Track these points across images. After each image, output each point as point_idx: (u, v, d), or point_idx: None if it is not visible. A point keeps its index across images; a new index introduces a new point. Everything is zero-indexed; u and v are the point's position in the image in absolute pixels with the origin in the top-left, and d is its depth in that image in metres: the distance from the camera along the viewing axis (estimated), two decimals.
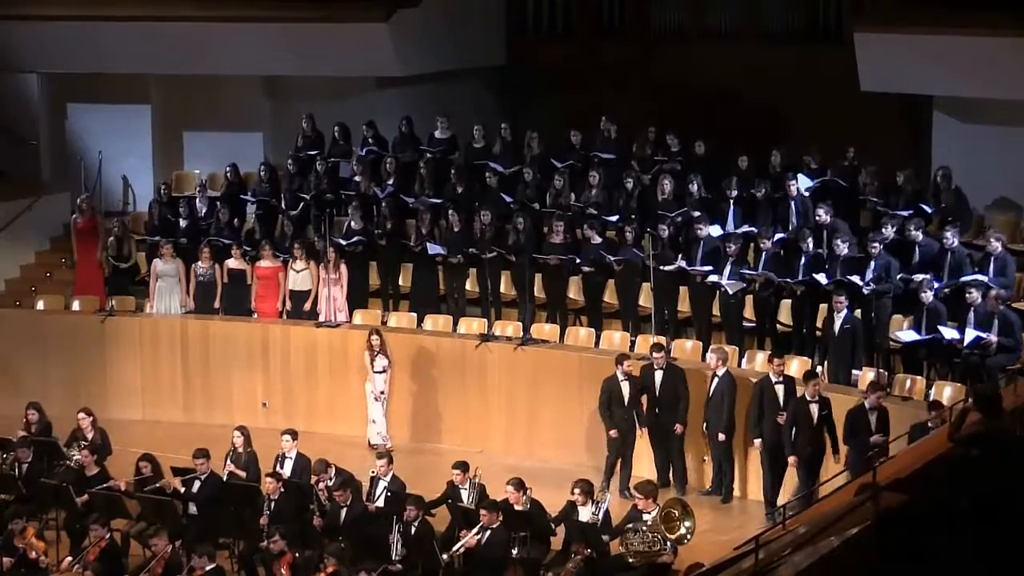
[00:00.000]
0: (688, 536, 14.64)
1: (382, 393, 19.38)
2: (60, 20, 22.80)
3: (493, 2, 25.24)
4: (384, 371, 19.42)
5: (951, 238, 17.98)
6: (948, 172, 19.47)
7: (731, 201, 19.89)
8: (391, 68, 23.08)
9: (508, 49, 25.31)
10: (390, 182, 21.66)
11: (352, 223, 20.89)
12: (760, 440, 17.05)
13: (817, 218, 18.78)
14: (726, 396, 17.42)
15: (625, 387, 17.67)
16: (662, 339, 18.60)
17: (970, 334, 16.73)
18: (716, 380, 17.50)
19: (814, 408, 16.51)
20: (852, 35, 21.06)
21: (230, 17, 22.64)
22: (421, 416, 19.90)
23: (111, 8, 22.87)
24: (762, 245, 18.85)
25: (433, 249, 20.40)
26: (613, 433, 17.70)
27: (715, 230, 19.37)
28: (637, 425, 17.79)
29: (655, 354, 17.80)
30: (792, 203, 19.44)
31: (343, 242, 20.56)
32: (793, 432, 16.64)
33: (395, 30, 22.62)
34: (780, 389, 16.98)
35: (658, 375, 17.73)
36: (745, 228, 19.58)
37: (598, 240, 19.79)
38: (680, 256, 19.29)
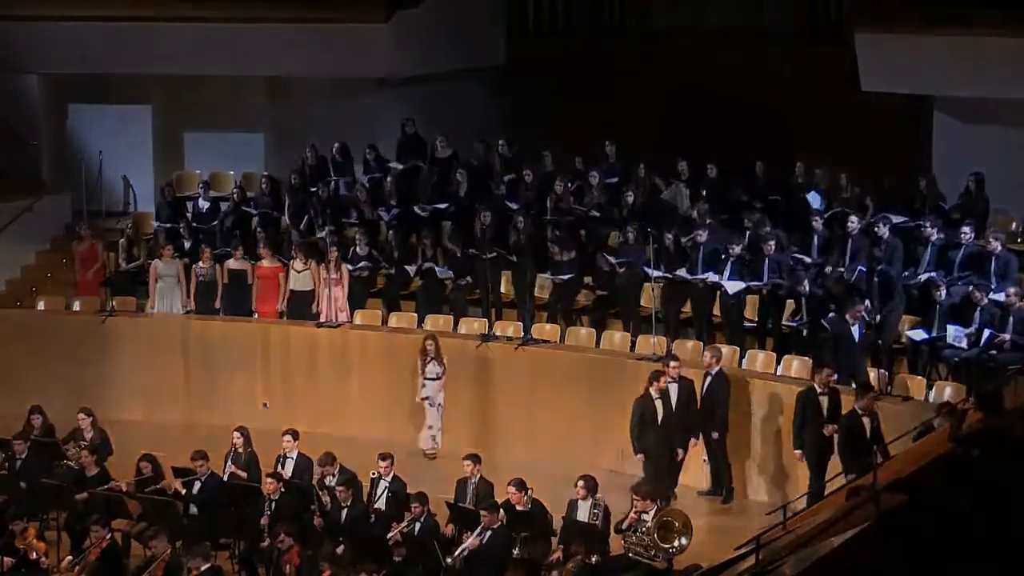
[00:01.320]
0: (676, 552, 14.52)
1: (427, 400, 19.19)
2: (60, 20, 22.81)
3: (493, 2, 25.24)
4: (438, 378, 19.15)
5: (968, 232, 18.04)
6: (981, 177, 19.44)
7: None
8: (391, 68, 23.10)
9: (508, 49, 25.30)
10: (393, 202, 21.64)
11: (358, 248, 20.70)
12: (801, 451, 16.59)
13: (876, 230, 18.24)
14: (719, 394, 17.30)
15: (659, 405, 17.10)
16: (665, 339, 18.54)
17: (983, 334, 16.73)
18: (709, 379, 17.38)
19: (866, 422, 15.99)
20: (852, 35, 21.08)
21: (230, 17, 22.65)
22: (420, 417, 19.85)
23: (111, 8, 22.88)
24: (766, 251, 18.71)
25: (443, 273, 20.36)
26: (640, 457, 17.26)
27: (733, 286, 18.69)
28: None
29: (672, 364, 17.30)
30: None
31: (349, 267, 20.51)
32: (844, 448, 15.99)
33: (395, 30, 22.63)
34: (824, 400, 16.53)
35: (672, 388, 17.19)
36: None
37: (607, 268, 19.72)
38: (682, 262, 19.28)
